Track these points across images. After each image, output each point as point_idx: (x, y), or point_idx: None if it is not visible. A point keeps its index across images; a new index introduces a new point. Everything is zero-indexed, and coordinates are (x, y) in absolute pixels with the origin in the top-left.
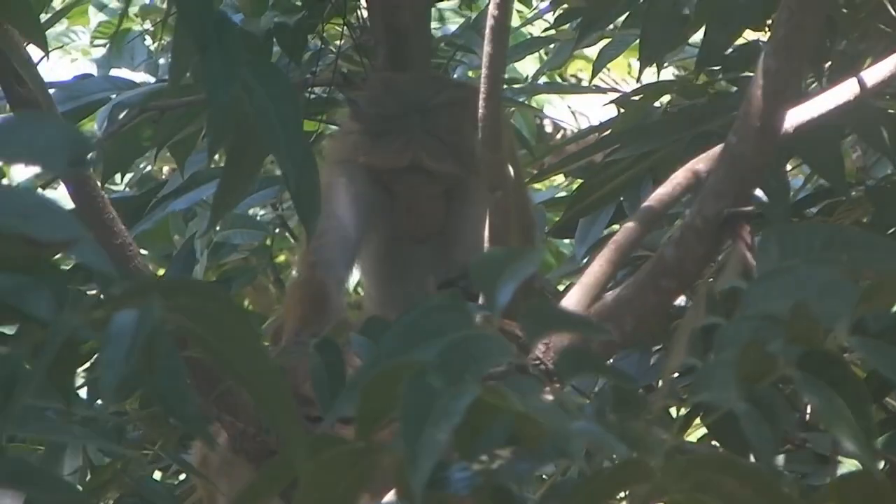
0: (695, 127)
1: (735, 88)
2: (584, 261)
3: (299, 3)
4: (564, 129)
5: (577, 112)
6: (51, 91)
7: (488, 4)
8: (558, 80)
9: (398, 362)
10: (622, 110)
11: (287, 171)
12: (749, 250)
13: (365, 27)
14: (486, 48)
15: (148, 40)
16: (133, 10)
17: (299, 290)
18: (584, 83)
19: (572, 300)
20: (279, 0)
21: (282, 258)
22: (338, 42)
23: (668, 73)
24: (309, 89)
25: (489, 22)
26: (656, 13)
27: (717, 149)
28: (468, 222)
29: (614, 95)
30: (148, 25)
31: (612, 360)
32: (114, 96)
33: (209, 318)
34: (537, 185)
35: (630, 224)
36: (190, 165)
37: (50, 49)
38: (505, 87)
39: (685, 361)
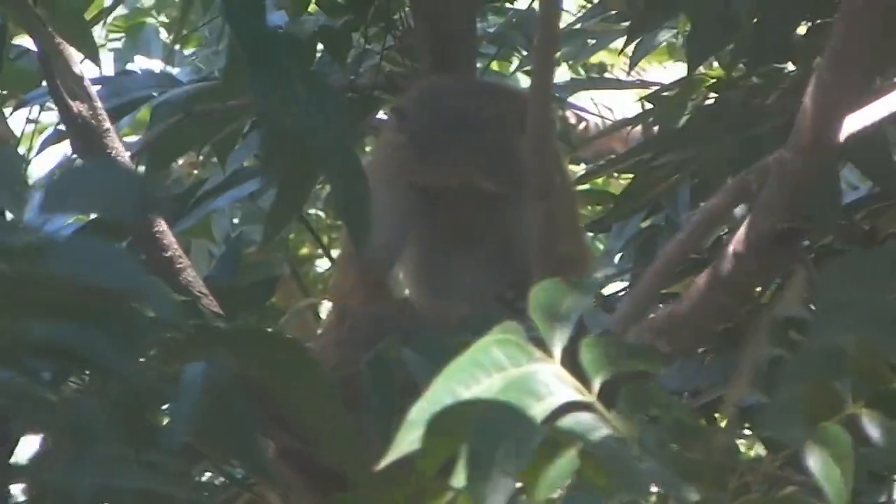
0: (746, 129)
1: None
2: (620, 256)
3: (342, 2)
4: (587, 121)
5: (598, 103)
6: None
7: (532, 2)
8: (581, 71)
9: (464, 400)
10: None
11: (338, 190)
12: (804, 266)
13: (410, 29)
14: (536, 55)
15: (163, 33)
16: (149, 3)
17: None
18: (607, 74)
19: (623, 314)
20: (322, 0)
21: (304, 251)
22: (381, 44)
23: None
24: (351, 92)
25: (539, 24)
26: (706, 12)
27: (768, 160)
28: (514, 228)
29: (645, 89)
30: (164, 18)
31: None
32: (155, 93)
33: (278, 366)
34: None
35: (680, 236)
36: (232, 162)
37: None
38: None
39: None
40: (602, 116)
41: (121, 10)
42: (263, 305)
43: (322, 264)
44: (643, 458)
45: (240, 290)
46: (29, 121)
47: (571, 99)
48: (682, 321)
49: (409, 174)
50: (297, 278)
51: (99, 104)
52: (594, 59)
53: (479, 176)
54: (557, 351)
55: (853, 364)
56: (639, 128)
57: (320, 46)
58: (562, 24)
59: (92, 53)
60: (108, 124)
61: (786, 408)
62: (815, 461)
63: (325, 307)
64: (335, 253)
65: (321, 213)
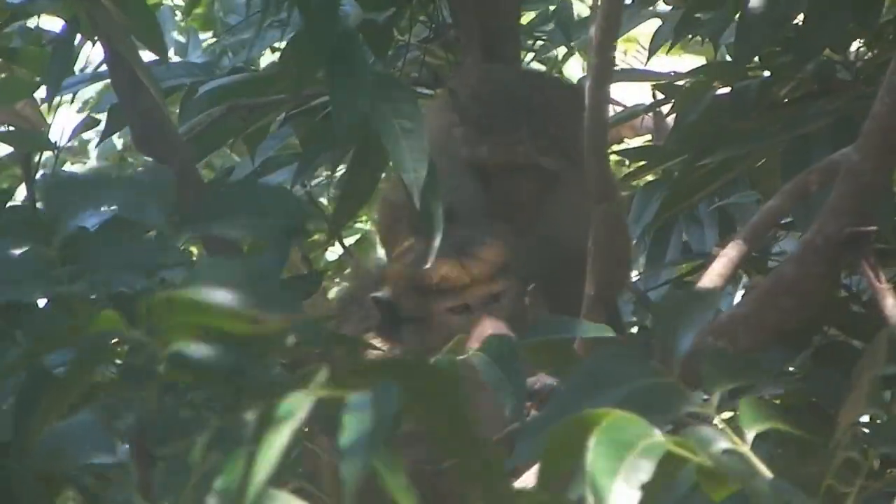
0: (783, 133)
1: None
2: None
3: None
4: None
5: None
6: None
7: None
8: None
9: (585, 412)
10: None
11: (410, 184)
12: (872, 271)
13: (450, 24)
14: (593, 61)
15: (178, 16)
16: None
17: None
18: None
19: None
20: None
21: (315, 237)
22: (422, 37)
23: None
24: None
25: (596, 34)
26: (758, 11)
27: (831, 160)
28: (565, 216)
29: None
30: (178, 0)
31: None
32: (188, 82)
33: (438, 402)
34: None
35: (739, 239)
36: (262, 152)
37: None
38: None
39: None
40: (616, 102)
41: None
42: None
43: (333, 252)
44: (759, 472)
45: (284, 282)
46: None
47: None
48: (742, 321)
49: (467, 149)
50: (309, 264)
51: (161, 96)
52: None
53: (539, 154)
54: (677, 364)
55: None
56: (649, 117)
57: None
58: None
59: (161, 51)
60: (170, 120)
61: None
62: None
63: (334, 292)
64: (347, 241)
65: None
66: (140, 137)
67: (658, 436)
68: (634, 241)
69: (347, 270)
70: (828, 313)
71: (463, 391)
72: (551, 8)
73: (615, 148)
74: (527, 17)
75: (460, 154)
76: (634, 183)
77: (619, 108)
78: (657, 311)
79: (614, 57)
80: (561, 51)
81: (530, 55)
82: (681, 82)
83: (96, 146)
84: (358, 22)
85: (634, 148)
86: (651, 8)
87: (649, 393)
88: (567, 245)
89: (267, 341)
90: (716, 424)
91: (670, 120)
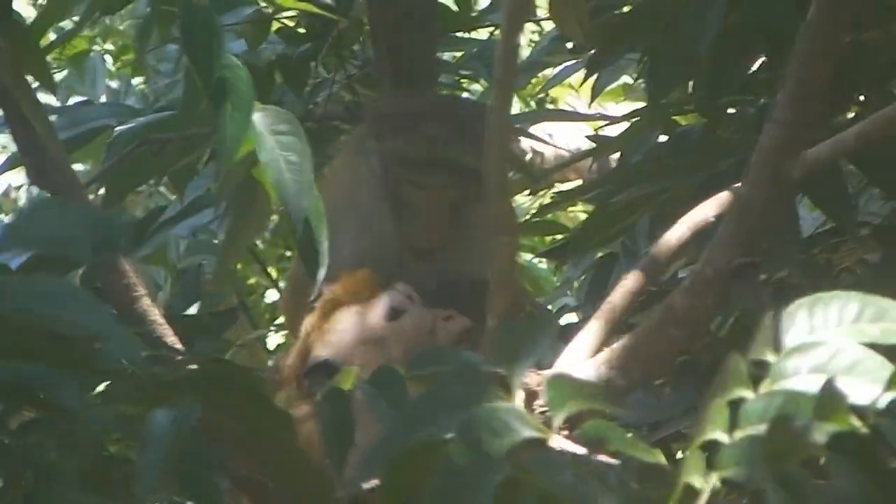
0: (698, 170)
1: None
2: (577, 285)
3: (302, 31)
4: (542, 153)
5: (551, 135)
6: (51, 118)
7: (493, 33)
8: (534, 105)
9: (426, 439)
10: (595, 144)
11: (294, 222)
12: (758, 301)
13: (368, 58)
14: (495, 93)
15: (108, 61)
16: (94, 32)
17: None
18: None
19: (582, 345)
20: (282, 28)
21: (252, 281)
22: (340, 73)
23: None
24: (312, 122)
25: (499, 57)
26: (666, 49)
27: (725, 194)
28: (472, 246)
29: (602, 122)
30: (109, 46)
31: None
32: (113, 124)
33: (246, 417)
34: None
35: (637, 271)
36: (190, 191)
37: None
38: None
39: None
40: (558, 147)
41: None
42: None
43: (270, 295)
44: (605, 496)
45: (198, 320)
46: None
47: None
48: (634, 353)
49: (386, 146)
50: (246, 309)
51: (55, 133)
52: (547, 93)
53: (456, 150)
54: (518, 389)
55: (816, 406)
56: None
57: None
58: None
59: (49, 85)
60: (64, 154)
61: (748, 447)
62: (776, 501)
63: (274, 339)
64: (283, 284)
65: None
66: (36, 172)
67: (496, 460)
68: (576, 283)
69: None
70: None
71: (276, 408)
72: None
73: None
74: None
75: (381, 149)
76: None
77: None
78: (497, 340)
79: (512, 89)
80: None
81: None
82: (614, 125)
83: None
84: (273, 58)
85: (570, 189)
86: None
87: (491, 417)
88: (472, 276)
89: (75, 357)
90: (559, 450)
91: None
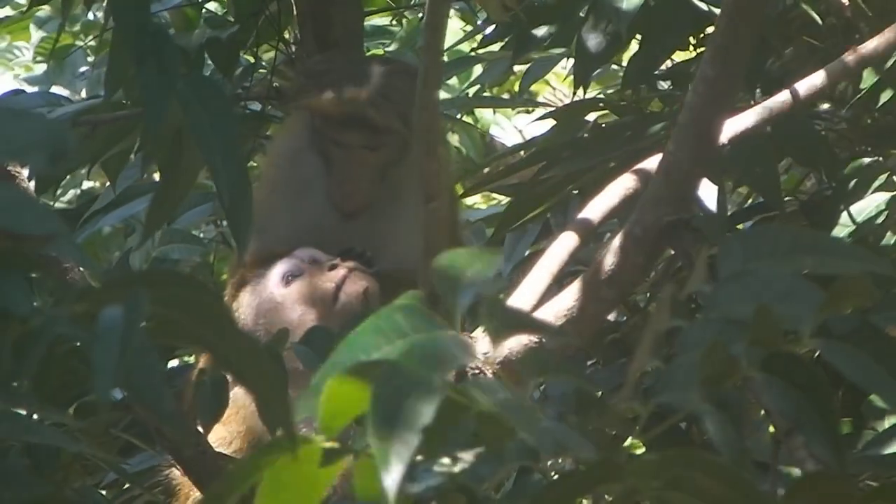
0: (627, 144)
1: (666, 109)
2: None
3: (231, 20)
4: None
5: (525, 133)
6: None
7: (423, 18)
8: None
9: (365, 361)
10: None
11: (221, 186)
12: (688, 259)
13: (297, 42)
14: (422, 56)
15: (90, 56)
16: (75, 27)
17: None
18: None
19: (526, 295)
20: (211, 16)
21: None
22: (270, 56)
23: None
24: (242, 104)
25: (424, 26)
26: (589, 31)
27: (654, 159)
28: (401, 208)
29: (546, 111)
30: (90, 41)
31: None
32: (48, 111)
33: (197, 309)
34: (479, 202)
35: (568, 233)
36: (122, 181)
37: None
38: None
39: (648, 363)
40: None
41: (45, 33)
42: None
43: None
44: (540, 418)
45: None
46: None
47: (494, 130)
48: (566, 314)
49: (308, 102)
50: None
51: None
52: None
53: (374, 109)
54: (458, 318)
55: (750, 331)
56: None
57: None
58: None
59: None
60: None
61: (682, 373)
62: (711, 423)
63: None
64: None
65: None
66: None
67: (436, 383)
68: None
69: None
70: None
71: (223, 304)
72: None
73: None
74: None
75: (303, 107)
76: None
77: None
78: (438, 272)
79: (442, 58)
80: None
81: None
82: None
83: None
84: (203, 40)
85: (489, 174)
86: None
87: (431, 345)
88: (406, 237)
89: (25, 259)
90: (499, 378)
91: None
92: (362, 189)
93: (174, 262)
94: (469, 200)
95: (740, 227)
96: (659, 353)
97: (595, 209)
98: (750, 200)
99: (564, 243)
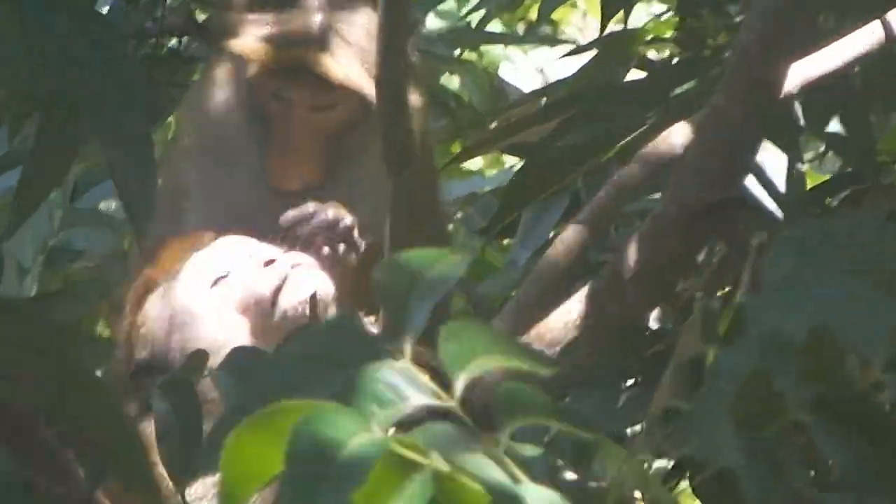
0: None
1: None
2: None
3: None
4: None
5: (546, 74)
6: None
7: None
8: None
9: (278, 405)
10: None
11: (110, 153)
12: (741, 252)
13: None
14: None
15: None
16: None
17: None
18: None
19: (504, 324)
20: None
21: None
22: None
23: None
24: (153, 40)
25: None
26: None
27: (697, 116)
28: (361, 185)
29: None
30: None
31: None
32: None
33: (41, 351)
34: (486, 167)
35: (579, 220)
36: None
37: None
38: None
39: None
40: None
41: None
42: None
43: None
44: (525, 484)
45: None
46: None
47: (506, 69)
48: (579, 328)
49: (235, 46)
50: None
51: None
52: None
53: (323, 54)
54: (408, 344)
55: (801, 357)
56: None
57: None
58: None
59: None
60: None
61: (711, 414)
62: (749, 481)
63: None
64: None
65: None
66: None
67: (374, 434)
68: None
69: None
70: None
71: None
72: None
73: None
74: None
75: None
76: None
77: None
78: (381, 278)
79: None
80: None
81: None
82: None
83: None
84: None
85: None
86: None
87: (374, 380)
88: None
89: None
90: (463, 421)
91: None
92: (310, 160)
93: (76, 253)
94: (472, 164)
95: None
96: (684, 386)
97: (619, 183)
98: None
99: (574, 233)
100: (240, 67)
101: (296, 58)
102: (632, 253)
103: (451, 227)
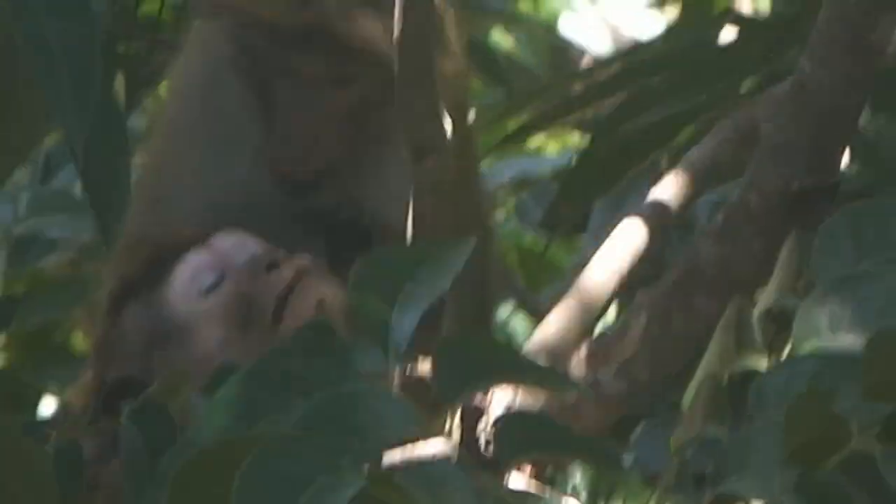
0: (769, 61)
1: None
2: None
3: None
4: (585, 51)
5: (617, 29)
6: None
7: None
8: None
9: (234, 436)
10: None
11: (71, 134)
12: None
13: None
14: None
15: None
16: None
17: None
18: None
19: (549, 333)
20: None
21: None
22: None
23: None
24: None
25: None
26: None
27: (783, 86)
28: (386, 172)
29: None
30: None
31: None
32: None
33: None
34: (544, 144)
35: (637, 215)
36: None
37: None
38: None
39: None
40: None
41: None
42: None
43: None
44: None
45: None
46: None
47: (566, 22)
48: (635, 343)
49: (234, 6)
50: None
51: None
52: None
53: (339, 11)
54: (394, 364)
55: (865, 371)
56: None
57: None
58: None
59: None
60: None
61: (758, 444)
62: None
63: None
64: None
65: None
66: None
67: (349, 467)
68: None
69: None
70: None
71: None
72: None
73: None
74: None
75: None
76: None
77: None
78: (354, 285)
79: None
80: None
81: None
82: None
83: None
84: None
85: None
86: None
87: (350, 406)
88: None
89: None
90: (455, 453)
91: None
92: (323, 145)
93: (47, 244)
94: (531, 142)
95: None
96: (721, 411)
97: (692, 163)
98: None
99: (629, 229)
100: (233, 30)
101: (307, 19)
102: (704, 252)
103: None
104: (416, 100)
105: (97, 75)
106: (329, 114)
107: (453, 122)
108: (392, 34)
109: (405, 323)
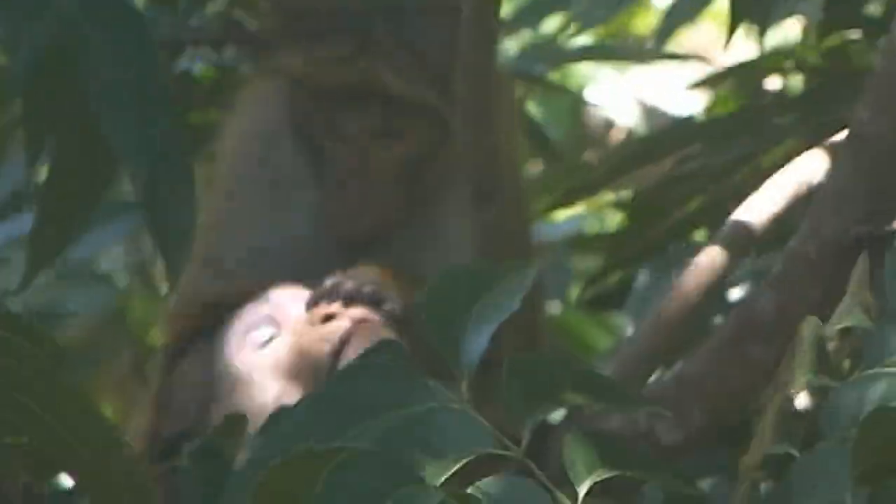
0: (817, 115)
1: None
2: None
3: None
4: (613, 123)
5: (643, 99)
6: None
7: None
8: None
9: (313, 448)
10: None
11: (138, 183)
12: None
13: None
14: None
15: None
16: None
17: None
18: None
19: (620, 367)
20: None
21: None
22: None
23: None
24: (190, 46)
25: None
26: None
27: (841, 136)
28: (437, 226)
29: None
30: None
31: None
32: None
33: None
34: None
35: (716, 244)
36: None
37: None
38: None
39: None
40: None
41: None
42: None
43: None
44: None
45: None
46: None
47: (589, 92)
48: (693, 388)
49: (282, 60)
50: (143, 377)
51: None
52: (641, 26)
53: (389, 69)
54: (465, 380)
55: None
56: None
57: None
58: None
59: None
60: None
61: (827, 466)
62: None
63: None
64: None
65: None
66: None
67: (426, 485)
68: None
69: None
70: None
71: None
72: None
73: None
74: None
75: (276, 67)
76: None
77: None
78: (423, 302)
79: None
80: None
81: None
82: None
83: None
84: None
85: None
86: None
87: (426, 425)
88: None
89: None
90: (531, 471)
91: None
92: (376, 202)
93: (67, 316)
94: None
95: None
96: (792, 431)
97: (752, 213)
98: None
99: (708, 258)
100: (288, 88)
101: (355, 75)
102: (762, 302)
103: None
104: (478, 143)
105: (163, 120)
106: (381, 169)
107: (510, 175)
108: (440, 87)
109: (476, 342)
